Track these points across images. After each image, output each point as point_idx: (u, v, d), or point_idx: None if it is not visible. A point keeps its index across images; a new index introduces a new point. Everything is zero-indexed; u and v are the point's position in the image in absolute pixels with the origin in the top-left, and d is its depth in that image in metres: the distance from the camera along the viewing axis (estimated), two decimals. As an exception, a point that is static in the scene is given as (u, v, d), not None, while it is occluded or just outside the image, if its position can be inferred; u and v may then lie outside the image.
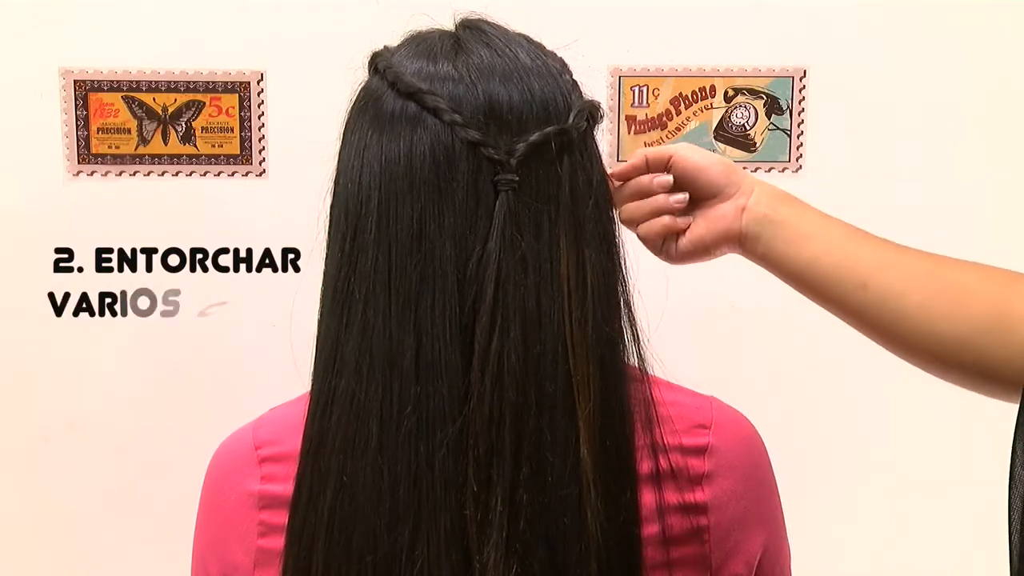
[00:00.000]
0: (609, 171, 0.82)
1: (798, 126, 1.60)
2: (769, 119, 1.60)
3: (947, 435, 1.64)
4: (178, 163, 1.55)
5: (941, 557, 1.67)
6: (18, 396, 1.57)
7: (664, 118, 1.60)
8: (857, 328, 0.83)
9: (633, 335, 0.76)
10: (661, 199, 0.87)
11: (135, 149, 1.55)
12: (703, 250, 0.88)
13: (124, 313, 1.57)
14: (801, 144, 1.60)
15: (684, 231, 0.87)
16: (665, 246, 0.88)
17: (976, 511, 1.59)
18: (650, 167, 0.88)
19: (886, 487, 1.67)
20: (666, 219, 0.86)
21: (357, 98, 0.77)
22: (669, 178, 0.87)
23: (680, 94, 1.60)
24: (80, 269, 1.55)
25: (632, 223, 0.88)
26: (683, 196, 0.87)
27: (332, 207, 0.76)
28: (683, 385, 0.80)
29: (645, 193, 0.87)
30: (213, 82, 1.54)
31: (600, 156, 0.77)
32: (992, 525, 0.80)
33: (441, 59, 0.74)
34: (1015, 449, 0.73)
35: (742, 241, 0.86)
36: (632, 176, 0.88)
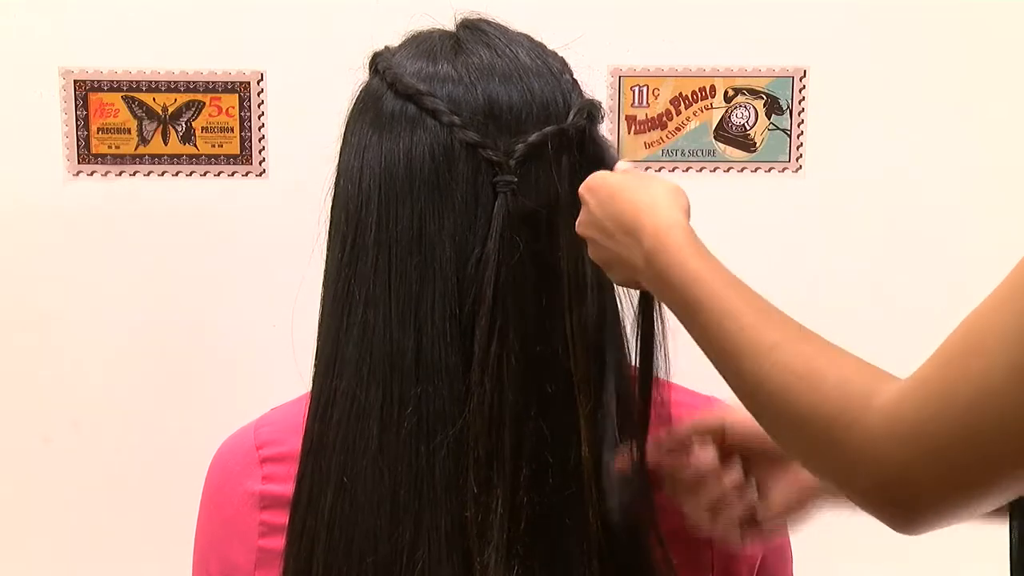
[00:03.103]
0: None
1: (798, 126, 1.60)
2: (769, 119, 1.60)
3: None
4: (178, 163, 1.55)
5: (942, 557, 1.67)
6: (18, 396, 1.57)
7: (664, 118, 1.60)
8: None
9: (633, 335, 0.76)
10: (720, 490, 0.72)
11: (135, 149, 1.55)
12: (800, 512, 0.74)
13: (124, 313, 1.57)
14: (801, 144, 1.60)
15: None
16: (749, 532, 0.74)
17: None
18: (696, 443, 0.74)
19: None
20: (737, 512, 0.73)
21: (357, 99, 0.77)
22: (740, 475, 0.73)
23: (680, 94, 1.60)
24: (80, 269, 1.55)
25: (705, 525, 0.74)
26: (737, 476, 0.73)
27: (332, 208, 0.76)
28: (684, 385, 0.80)
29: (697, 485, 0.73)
30: (213, 82, 1.54)
31: (607, 151, 0.77)
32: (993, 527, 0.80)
33: (441, 59, 0.74)
34: None
35: None
36: (677, 461, 0.74)
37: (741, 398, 0.62)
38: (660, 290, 0.67)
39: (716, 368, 0.63)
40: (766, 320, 0.61)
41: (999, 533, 0.71)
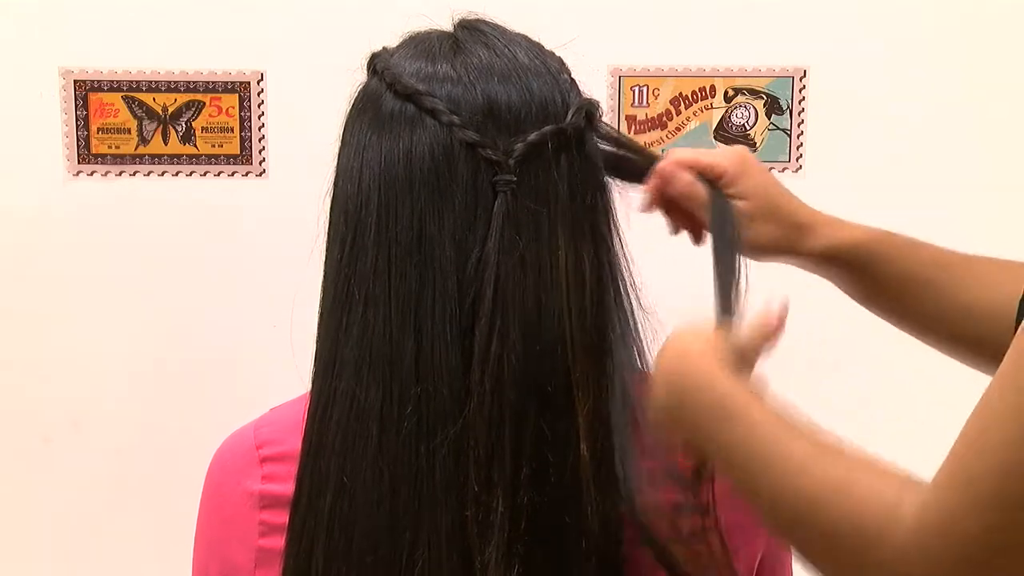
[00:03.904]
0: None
1: (798, 126, 1.60)
2: (769, 119, 1.60)
3: (951, 436, 1.64)
4: (178, 163, 1.55)
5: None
6: (19, 396, 1.57)
7: (664, 118, 1.60)
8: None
9: (635, 335, 0.76)
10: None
11: (135, 149, 1.55)
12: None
13: (124, 313, 1.57)
14: (801, 144, 1.60)
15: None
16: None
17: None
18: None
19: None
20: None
21: (356, 99, 0.77)
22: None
23: (680, 94, 1.60)
24: (80, 269, 1.55)
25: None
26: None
27: (331, 208, 0.76)
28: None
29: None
30: (213, 82, 1.54)
31: (598, 163, 0.77)
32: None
33: (440, 60, 0.74)
34: None
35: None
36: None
37: (769, 519, 0.64)
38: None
39: (741, 487, 0.65)
40: (787, 442, 0.62)
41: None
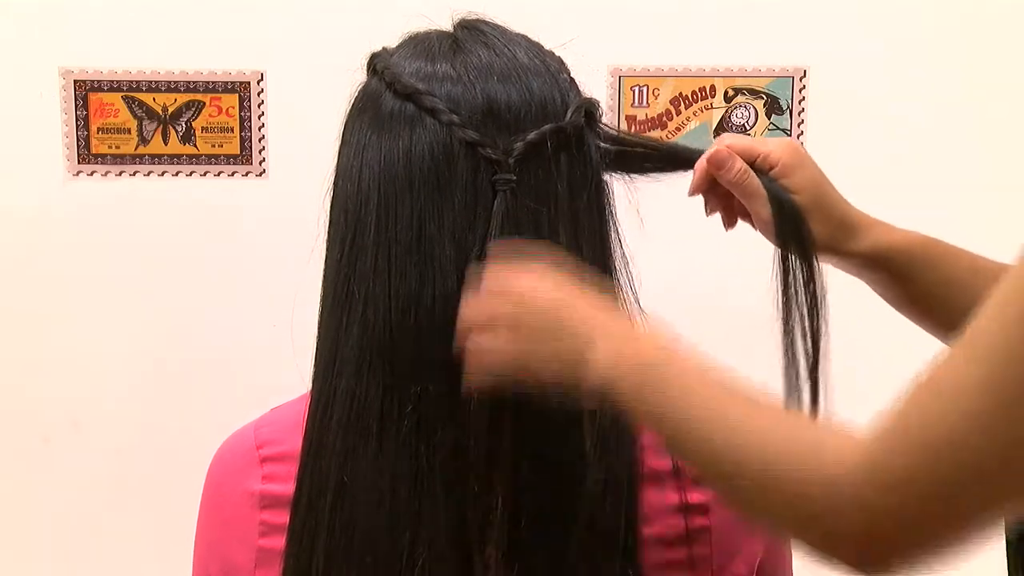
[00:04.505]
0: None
1: (798, 126, 1.60)
2: (769, 119, 1.60)
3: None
4: (178, 163, 1.55)
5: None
6: (18, 396, 1.57)
7: (664, 118, 1.60)
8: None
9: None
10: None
11: (135, 149, 1.55)
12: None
13: (124, 313, 1.57)
14: (801, 144, 1.60)
15: None
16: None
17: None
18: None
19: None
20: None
21: (356, 99, 0.77)
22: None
23: (680, 94, 1.60)
24: (80, 269, 1.55)
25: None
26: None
27: (331, 208, 0.76)
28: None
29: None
30: (213, 82, 1.54)
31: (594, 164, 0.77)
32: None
33: (440, 59, 0.74)
34: None
35: None
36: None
37: (708, 472, 0.63)
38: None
39: (673, 444, 0.64)
40: (721, 398, 0.62)
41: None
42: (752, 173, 0.80)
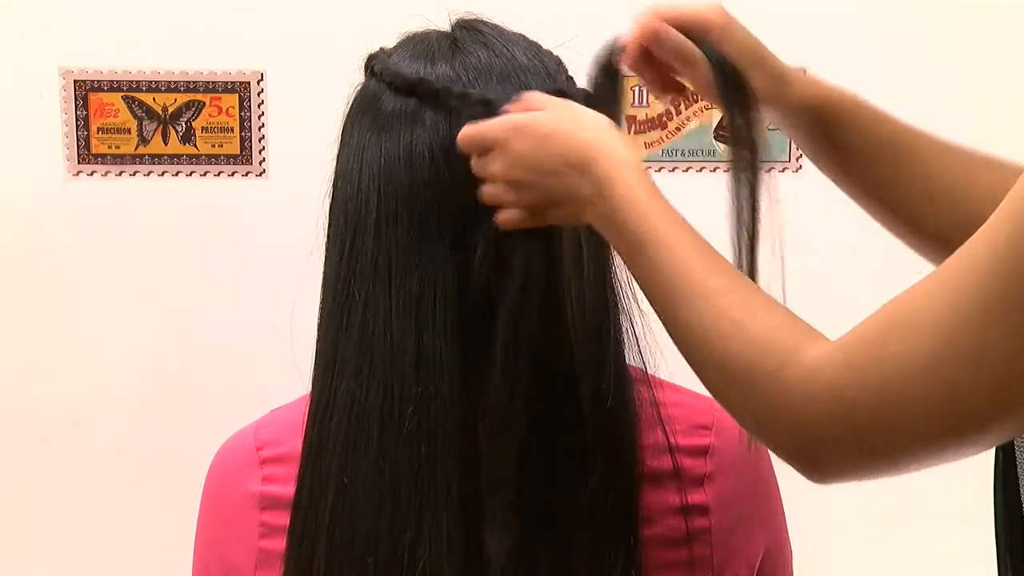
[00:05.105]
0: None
1: (798, 126, 1.60)
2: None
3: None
4: (178, 163, 1.55)
5: (943, 557, 1.67)
6: (18, 396, 1.57)
7: (664, 118, 1.60)
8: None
9: (634, 335, 0.76)
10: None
11: (135, 149, 1.55)
12: None
13: (124, 313, 1.57)
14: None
15: None
16: None
17: (981, 512, 1.59)
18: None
19: (888, 487, 1.67)
20: None
21: (354, 102, 0.77)
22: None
23: (680, 94, 1.60)
24: (80, 269, 1.55)
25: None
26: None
27: (331, 210, 0.76)
28: (684, 386, 0.80)
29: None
30: (213, 82, 1.54)
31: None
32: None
33: (439, 60, 0.74)
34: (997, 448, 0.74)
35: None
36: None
37: (673, 338, 0.65)
38: (607, 226, 0.68)
39: (652, 306, 0.66)
40: (709, 266, 0.64)
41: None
42: (689, 41, 0.77)
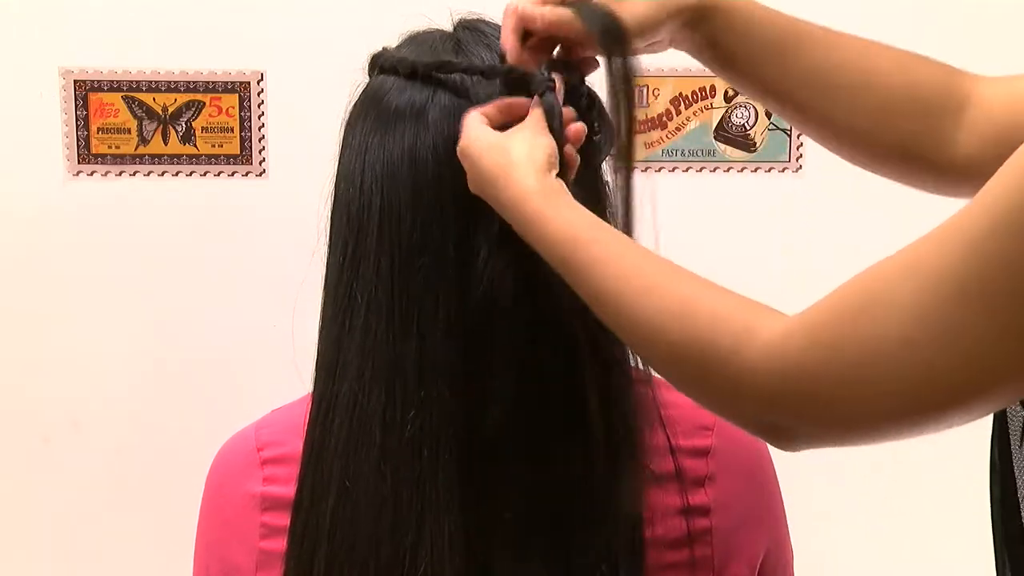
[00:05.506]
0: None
1: (798, 126, 1.60)
2: (769, 119, 1.60)
3: (951, 433, 1.64)
4: (178, 163, 1.55)
5: (942, 556, 1.67)
6: (18, 396, 1.57)
7: (664, 118, 1.60)
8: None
9: None
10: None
11: (135, 149, 1.55)
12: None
13: (124, 313, 1.57)
14: (801, 144, 1.60)
15: None
16: None
17: (979, 510, 1.59)
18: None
19: (889, 487, 1.67)
20: None
21: (356, 102, 0.77)
22: None
23: (680, 94, 1.60)
24: (80, 269, 1.55)
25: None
26: None
27: (333, 212, 0.75)
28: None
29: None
30: (213, 82, 1.54)
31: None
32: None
33: (443, 59, 0.74)
34: (993, 439, 0.74)
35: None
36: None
37: (626, 343, 0.66)
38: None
39: (599, 317, 0.66)
40: (634, 265, 0.64)
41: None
42: (561, 10, 0.75)
